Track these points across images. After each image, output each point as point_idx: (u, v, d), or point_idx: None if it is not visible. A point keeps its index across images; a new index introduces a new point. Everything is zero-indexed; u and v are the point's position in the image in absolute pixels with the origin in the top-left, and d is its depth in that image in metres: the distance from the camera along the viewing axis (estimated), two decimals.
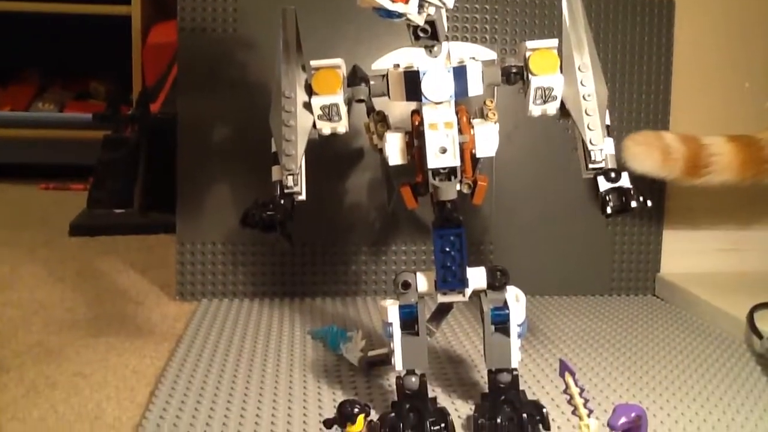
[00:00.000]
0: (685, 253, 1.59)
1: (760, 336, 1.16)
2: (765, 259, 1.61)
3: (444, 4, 0.81)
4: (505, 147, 1.49)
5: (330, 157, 1.40)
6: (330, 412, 0.93)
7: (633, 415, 0.67)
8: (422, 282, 0.92)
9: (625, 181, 0.88)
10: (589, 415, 0.72)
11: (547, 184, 1.48)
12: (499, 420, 0.87)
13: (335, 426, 0.73)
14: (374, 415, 0.91)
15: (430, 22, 0.84)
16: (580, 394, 0.72)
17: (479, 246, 1.48)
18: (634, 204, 0.84)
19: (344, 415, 0.73)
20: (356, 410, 0.73)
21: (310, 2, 1.38)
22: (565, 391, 0.73)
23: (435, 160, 0.87)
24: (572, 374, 0.72)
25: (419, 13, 0.81)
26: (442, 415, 0.88)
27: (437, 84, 0.87)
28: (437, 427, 0.86)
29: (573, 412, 0.72)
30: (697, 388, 1.04)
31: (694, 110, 1.58)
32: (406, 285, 0.91)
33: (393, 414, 0.88)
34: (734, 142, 1.37)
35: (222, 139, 1.41)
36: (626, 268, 1.54)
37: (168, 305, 1.40)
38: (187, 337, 1.20)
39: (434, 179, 0.88)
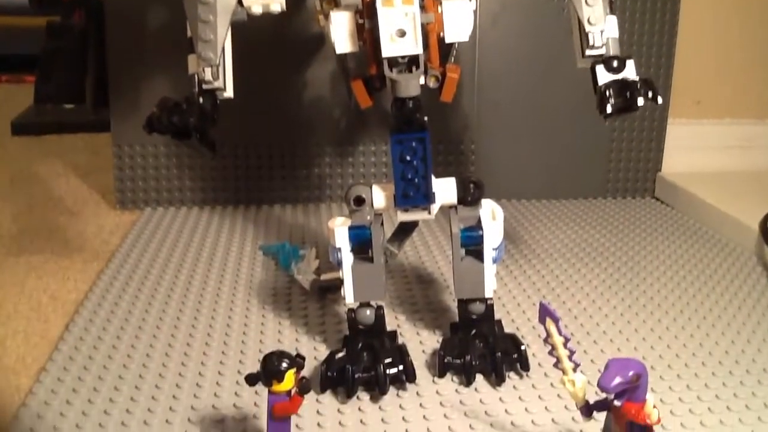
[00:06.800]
0: (690, 150, 1.42)
1: None
2: None
3: None
4: (489, 31, 1.30)
5: (286, 43, 1.21)
6: (274, 346, 0.80)
7: (630, 373, 0.53)
8: (379, 196, 0.76)
9: (630, 72, 0.70)
10: (575, 369, 0.57)
11: (536, 74, 1.29)
12: (468, 358, 0.74)
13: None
14: (322, 351, 0.78)
15: None
16: (565, 345, 0.57)
17: (458, 145, 1.30)
18: (641, 101, 0.67)
19: (270, 371, 0.58)
20: (284, 365, 0.58)
21: None
22: (546, 341, 0.58)
23: (391, 46, 0.69)
24: (555, 321, 0.57)
25: None
26: (401, 354, 0.74)
27: None
28: (394, 370, 0.72)
29: (555, 365, 0.58)
30: (702, 311, 0.90)
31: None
32: (359, 200, 0.75)
33: (342, 354, 0.74)
34: None
35: (158, 23, 1.20)
36: (624, 167, 1.38)
37: (106, 215, 1.24)
38: (119, 255, 1.05)
39: (391, 71, 0.70)
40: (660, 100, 0.68)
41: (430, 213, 0.76)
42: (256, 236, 1.14)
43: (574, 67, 0.75)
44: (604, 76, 0.70)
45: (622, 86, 0.68)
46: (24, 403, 0.69)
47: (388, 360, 0.73)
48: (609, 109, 0.68)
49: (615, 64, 0.69)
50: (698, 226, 1.22)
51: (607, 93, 0.68)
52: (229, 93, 0.74)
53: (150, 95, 1.22)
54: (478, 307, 0.78)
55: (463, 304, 0.78)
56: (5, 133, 1.82)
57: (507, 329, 0.81)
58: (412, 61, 0.70)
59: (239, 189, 1.28)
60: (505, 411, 0.69)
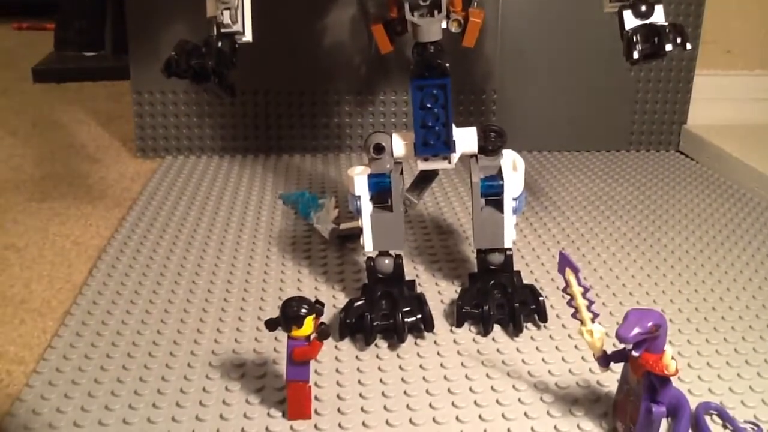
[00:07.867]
0: (717, 102, 1.38)
1: None
2: None
3: None
4: None
5: None
6: (293, 293, 0.81)
7: (649, 324, 0.52)
8: (399, 145, 0.75)
9: (658, 17, 0.68)
10: (593, 320, 0.57)
11: (562, 19, 1.26)
12: (486, 308, 0.74)
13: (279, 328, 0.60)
14: (341, 299, 0.79)
15: None
16: (584, 295, 0.57)
17: (480, 95, 1.28)
18: (669, 47, 0.65)
19: (289, 316, 0.59)
20: (304, 311, 0.58)
21: None
22: (565, 290, 0.58)
23: None
24: (575, 271, 0.56)
25: None
26: (419, 303, 0.74)
27: None
28: (412, 318, 0.73)
29: (574, 315, 0.58)
30: (724, 266, 0.89)
31: None
32: (379, 149, 0.75)
33: (360, 302, 0.74)
34: None
35: None
36: (649, 120, 1.35)
37: (127, 163, 1.24)
38: (140, 201, 1.06)
39: (412, 14, 0.69)
40: (689, 45, 0.66)
41: (450, 162, 0.75)
42: (276, 185, 1.14)
43: (601, 12, 0.73)
44: (631, 21, 0.68)
45: (649, 31, 0.66)
46: (51, 345, 0.70)
47: (406, 308, 0.73)
48: (636, 55, 0.66)
49: (643, 8, 0.67)
50: (723, 180, 1.20)
51: (634, 38, 0.66)
52: (247, 37, 0.73)
53: (169, 40, 1.21)
54: (497, 258, 0.77)
55: (481, 254, 0.78)
56: (27, 79, 1.82)
57: (526, 280, 0.80)
58: (433, 4, 0.68)
59: (259, 137, 1.27)
60: (522, 361, 0.70)
